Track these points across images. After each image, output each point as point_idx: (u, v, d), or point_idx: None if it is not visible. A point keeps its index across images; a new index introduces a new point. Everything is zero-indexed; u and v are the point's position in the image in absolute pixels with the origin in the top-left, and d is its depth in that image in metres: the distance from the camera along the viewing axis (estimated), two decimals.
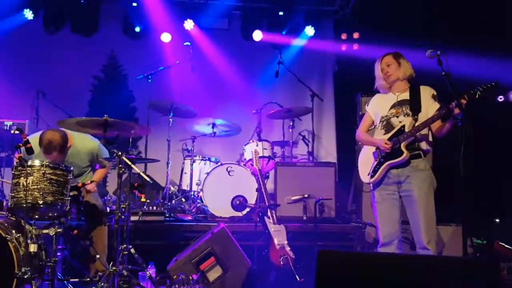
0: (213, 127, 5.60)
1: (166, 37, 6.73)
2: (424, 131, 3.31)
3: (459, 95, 3.05)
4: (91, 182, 3.81)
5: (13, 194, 3.07)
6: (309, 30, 7.02)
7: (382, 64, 3.45)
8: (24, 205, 3.04)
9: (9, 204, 3.11)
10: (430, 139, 3.37)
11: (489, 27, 5.41)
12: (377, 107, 3.56)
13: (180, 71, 6.02)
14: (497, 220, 5.06)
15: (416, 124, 3.26)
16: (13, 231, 3.03)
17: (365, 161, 3.53)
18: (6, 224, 3.05)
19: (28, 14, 6.50)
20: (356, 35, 7.03)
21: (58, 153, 3.58)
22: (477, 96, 3.06)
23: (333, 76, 7.26)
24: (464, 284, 1.78)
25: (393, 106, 3.42)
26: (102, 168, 4.11)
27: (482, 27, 5.44)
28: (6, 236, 2.94)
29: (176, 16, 6.73)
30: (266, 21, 6.98)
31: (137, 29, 6.76)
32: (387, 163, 3.33)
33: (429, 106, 3.34)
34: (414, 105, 3.35)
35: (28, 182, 3.04)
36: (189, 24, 6.76)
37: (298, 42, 7.07)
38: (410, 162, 3.28)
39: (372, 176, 3.39)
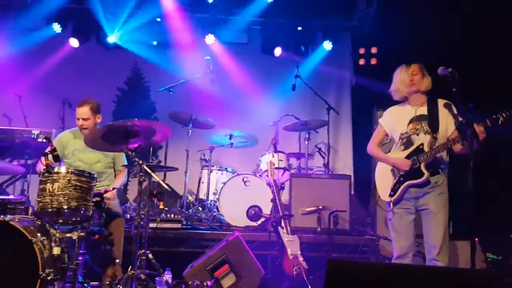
0: (230, 138, 5.73)
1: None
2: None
3: (481, 121, 3.03)
4: (113, 189, 3.98)
5: (39, 199, 3.23)
6: (327, 45, 7.12)
7: (409, 71, 3.42)
8: (50, 210, 3.19)
9: (35, 208, 3.28)
10: (447, 157, 3.39)
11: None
12: (393, 121, 3.55)
13: (200, 84, 6.19)
14: None
15: (436, 145, 3.27)
16: (39, 234, 3.17)
17: (383, 177, 3.53)
18: (32, 228, 3.20)
19: (57, 27, 6.78)
20: (374, 50, 7.09)
21: (89, 110, 4.05)
22: (499, 122, 3.03)
23: (351, 90, 7.33)
24: None
25: (411, 121, 3.42)
26: (120, 175, 4.28)
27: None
28: (32, 238, 3.08)
29: (197, 31, 6.94)
30: (285, 35, 7.11)
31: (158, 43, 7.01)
32: (406, 183, 3.35)
33: (448, 122, 3.34)
34: (433, 121, 3.34)
35: (54, 188, 3.20)
36: (210, 39, 6.95)
37: (316, 56, 7.19)
38: (430, 181, 3.31)
39: (392, 195, 3.41)
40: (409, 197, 3.38)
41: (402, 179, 3.38)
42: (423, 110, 3.41)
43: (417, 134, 3.37)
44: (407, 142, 3.42)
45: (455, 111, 3.34)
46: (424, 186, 3.33)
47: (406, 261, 3.36)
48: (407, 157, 3.36)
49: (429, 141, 3.30)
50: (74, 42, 6.82)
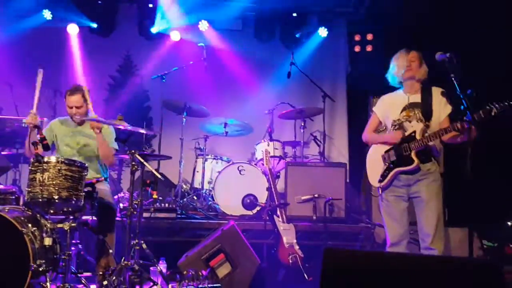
0: (225, 127, 5.66)
1: (175, 36, 6.86)
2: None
3: (474, 111, 2.93)
4: (105, 178, 3.91)
5: (29, 189, 3.16)
6: (322, 31, 7.04)
7: (407, 57, 3.37)
8: (40, 200, 3.13)
9: (25, 198, 3.21)
10: (440, 145, 3.36)
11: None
12: (387, 109, 3.52)
13: (194, 71, 6.10)
14: (510, 223, 5.03)
15: (428, 133, 3.23)
16: (29, 225, 3.11)
17: (374, 163, 3.51)
18: (22, 218, 3.14)
19: (47, 14, 6.65)
20: (369, 37, 7.02)
21: (81, 98, 3.91)
22: (492, 114, 2.95)
23: (346, 77, 7.27)
24: (467, 285, 1.80)
25: (404, 109, 3.39)
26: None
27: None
28: (22, 229, 3.02)
29: (191, 17, 6.83)
30: (280, 22, 7.03)
31: (153, 30, 6.88)
32: (396, 169, 3.32)
33: (441, 110, 3.30)
34: (426, 109, 3.31)
35: (44, 177, 3.13)
36: (203, 25, 6.85)
37: (311, 43, 7.11)
38: (420, 169, 3.28)
39: (381, 181, 3.40)
40: (401, 184, 3.35)
41: (392, 165, 3.35)
42: (417, 98, 3.37)
43: (410, 121, 3.34)
44: (399, 129, 3.38)
45: (448, 98, 3.29)
46: (415, 173, 3.29)
47: (400, 249, 3.32)
48: (399, 144, 3.34)
49: (422, 128, 3.26)
50: (73, 29, 6.69)
